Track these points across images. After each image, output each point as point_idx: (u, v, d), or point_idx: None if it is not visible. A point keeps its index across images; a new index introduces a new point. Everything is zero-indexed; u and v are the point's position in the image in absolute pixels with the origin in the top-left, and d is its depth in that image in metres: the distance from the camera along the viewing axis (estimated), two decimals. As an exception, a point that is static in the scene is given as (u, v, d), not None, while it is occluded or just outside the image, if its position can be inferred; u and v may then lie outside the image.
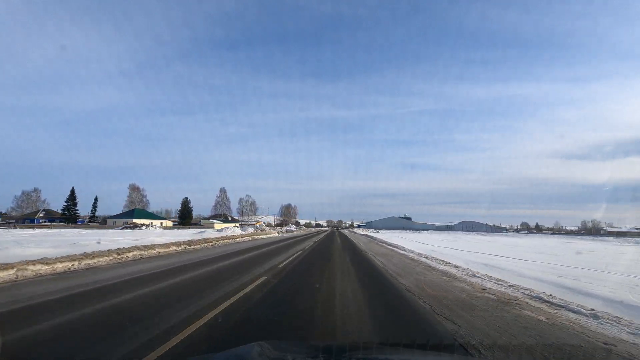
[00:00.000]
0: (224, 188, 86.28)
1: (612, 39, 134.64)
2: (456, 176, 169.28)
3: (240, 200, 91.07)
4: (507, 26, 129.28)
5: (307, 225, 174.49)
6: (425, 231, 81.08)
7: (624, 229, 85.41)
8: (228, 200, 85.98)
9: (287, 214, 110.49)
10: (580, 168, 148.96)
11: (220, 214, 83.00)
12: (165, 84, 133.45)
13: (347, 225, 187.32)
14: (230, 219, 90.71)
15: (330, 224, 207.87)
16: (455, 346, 3.42)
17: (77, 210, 67.52)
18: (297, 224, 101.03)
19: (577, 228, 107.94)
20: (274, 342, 2.25)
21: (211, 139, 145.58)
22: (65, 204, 66.10)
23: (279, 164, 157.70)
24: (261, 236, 31.60)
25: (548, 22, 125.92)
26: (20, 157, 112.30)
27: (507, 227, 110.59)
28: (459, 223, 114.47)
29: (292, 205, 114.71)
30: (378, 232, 69.69)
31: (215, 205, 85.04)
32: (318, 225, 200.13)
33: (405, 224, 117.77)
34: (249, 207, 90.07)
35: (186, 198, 77.64)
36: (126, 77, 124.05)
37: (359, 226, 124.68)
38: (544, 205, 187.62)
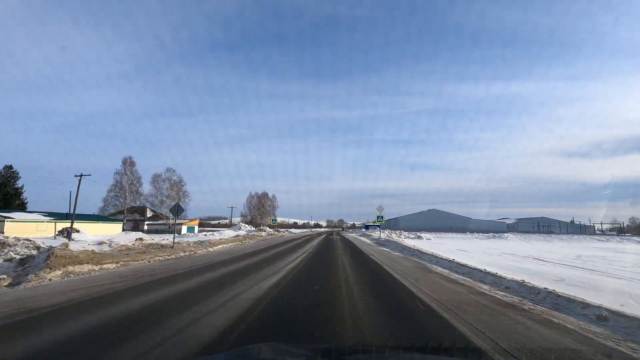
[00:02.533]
0: (129, 158, 43.26)
1: (612, 38, 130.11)
2: (460, 175, 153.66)
3: (154, 178, 46.15)
4: (507, 26, 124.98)
5: (303, 226, 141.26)
6: (507, 234, 42.97)
7: None
8: (139, 180, 46.59)
9: (260, 209, 71.10)
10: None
11: (123, 207, 43.98)
12: (164, 84, 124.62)
13: (349, 225, 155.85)
14: (152, 214, 53.65)
15: (330, 224, 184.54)
16: (455, 349, 3.14)
17: None
18: (274, 226, 61.92)
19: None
20: (273, 345, 2.24)
21: (209, 140, 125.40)
22: None
23: (276, 165, 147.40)
24: None
25: (548, 21, 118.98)
26: None
27: (602, 224, 71.38)
28: (518, 221, 76.40)
29: (270, 195, 74.56)
30: (420, 237, 32.64)
31: (115, 188, 45.75)
32: (317, 225, 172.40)
33: (458, 222, 66.05)
34: (168, 193, 45.21)
35: (9, 167, 38.98)
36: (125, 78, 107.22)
37: (367, 227, 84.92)
38: (544, 204, 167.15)
